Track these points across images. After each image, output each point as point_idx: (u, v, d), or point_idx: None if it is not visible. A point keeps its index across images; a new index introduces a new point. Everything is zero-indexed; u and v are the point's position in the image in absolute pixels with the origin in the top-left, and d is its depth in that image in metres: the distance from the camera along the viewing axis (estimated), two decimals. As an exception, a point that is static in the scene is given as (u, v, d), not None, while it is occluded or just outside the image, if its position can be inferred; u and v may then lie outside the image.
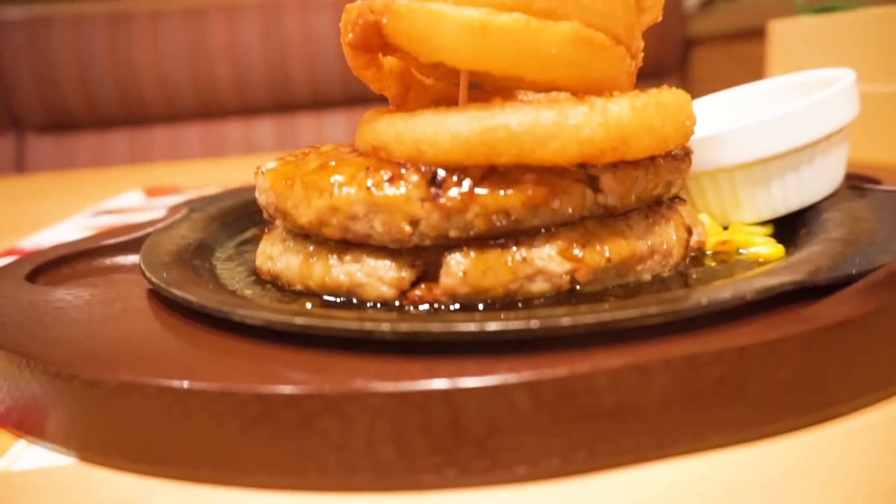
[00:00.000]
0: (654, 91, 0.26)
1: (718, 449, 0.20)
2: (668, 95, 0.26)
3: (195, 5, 1.58)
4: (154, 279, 0.28)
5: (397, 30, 0.25)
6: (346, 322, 0.22)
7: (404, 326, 0.21)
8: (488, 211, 0.26)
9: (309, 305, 0.28)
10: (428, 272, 0.28)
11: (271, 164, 0.31)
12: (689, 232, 0.30)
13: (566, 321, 0.21)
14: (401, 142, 0.26)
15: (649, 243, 0.28)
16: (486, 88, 0.33)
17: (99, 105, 1.55)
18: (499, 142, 0.24)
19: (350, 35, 0.27)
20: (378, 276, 0.27)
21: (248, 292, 0.31)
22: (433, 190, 0.26)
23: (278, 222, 0.31)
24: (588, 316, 0.21)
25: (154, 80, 1.55)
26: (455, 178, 0.25)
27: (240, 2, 1.60)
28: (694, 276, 0.29)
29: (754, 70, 1.45)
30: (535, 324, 0.21)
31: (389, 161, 0.27)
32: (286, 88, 1.62)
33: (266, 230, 0.34)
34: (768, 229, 0.34)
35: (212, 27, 1.57)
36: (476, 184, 0.26)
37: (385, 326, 0.21)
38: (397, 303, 0.27)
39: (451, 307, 0.27)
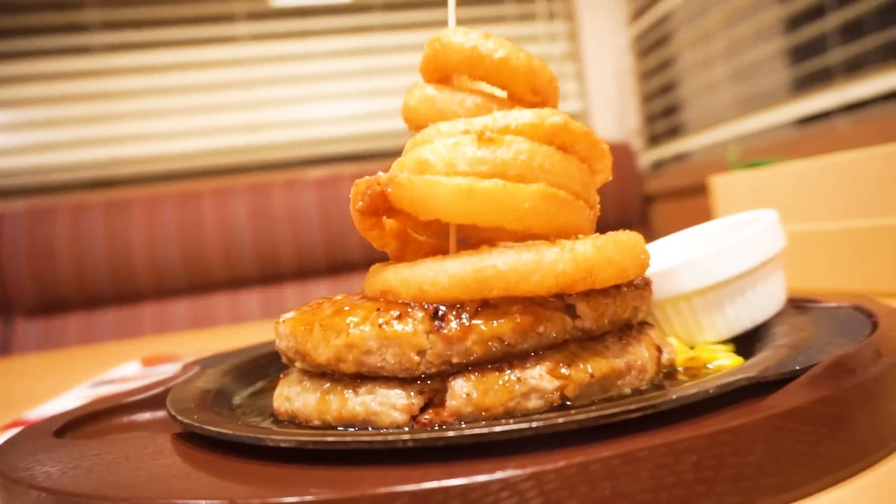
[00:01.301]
0: (611, 233, 0.32)
1: (707, 529, 0.23)
2: (622, 235, 0.32)
3: (189, 189, 1.71)
4: (185, 419, 0.31)
5: (401, 196, 0.31)
6: (372, 436, 0.25)
7: (423, 435, 0.24)
8: (484, 338, 0.30)
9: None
10: (433, 398, 0.31)
11: (289, 315, 0.35)
12: (660, 350, 0.35)
13: (561, 420, 0.24)
14: (406, 284, 0.31)
15: (625, 361, 0.32)
16: (471, 242, 0.39)
17: (90, 285, 1.60)
18: (489, 278, 0.29)
19: (360, 203, 0.33)
20: (390, 403, 0.31)
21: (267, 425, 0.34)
22: (436, 323, 0.30)
23: (297, 364, 0.34)
24: (579, 416, 0.24)
25: (146, 258, 1.63)
26: (454, 312, 0.30)
27: (230, 184, 1.73)
28: (668, 387, 0.33)
29: (704, 219, 1.58)
30: (535, 424, 0.24)
31: (396, 302, 0.31)
32: (272, 260, 1.71)
33: (282, 375, 0.37)
34: (729, 347, 0.38)
35: (204, 207, 1.68)
36: (472, 316, 0.30)
37: (406, 436, 0.24)
38: (407, 428, 0.31)
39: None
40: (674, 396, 0.25)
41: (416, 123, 0.37)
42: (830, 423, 0.26)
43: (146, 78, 1.82)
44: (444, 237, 0.39)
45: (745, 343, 0.38)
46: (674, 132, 1.91)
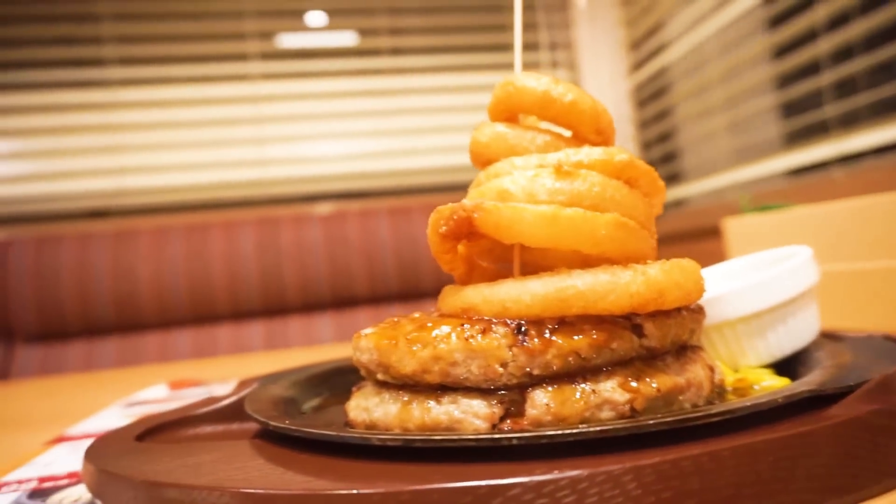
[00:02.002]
0: (675, 259, 0.35)
1: (785, 523, 0.26)
2: (685, 262, 0.35)
3: (196, 221, 1.73)
4: (278, 424, 0.33)
5: (486, 221, 0.34)
6: (479, 435, 0.27)
7: (527, 434, 0.27)
8: (563, 352, 0.33)
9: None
10: (510, 408, 0.34)
11: (370, 330, 0.38)
12: (713, 370, 0.38)
13: (652, 422, 0.27)
14: (488, 303, 0.34)
15: (685, 378, 0.35)
16: (530, 268, 0.42)
17: (94, 313, 1.61)
18: (569, 297, 0.32)
19: (444, 227, 0.36)
20: (473, 412, 0.33)
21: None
22: (519, 338, 0.33)
23: (379, 376, 0.37)
24: (667, 419, 0.27)
25: (152, 288, 1.64)
26: (536, 328, 0.33)
27: (238, 217, 1.76)
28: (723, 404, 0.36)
29: (712, 261, 1.62)
30: (628, 425, 0.27)
31: (479, 319, 0.34)
32: (278, 293, 1.72)
33: (354, 389, 0.40)
34: (770, 371, 0.41)
35: (211, 239, 1.70)
36: (552, 332, 0.33)
37: (513, 436, 0.27)
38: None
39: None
40: (749, 403, 0.28)
41: (486, 159, 0.40)
42: (886, 433, 0.29)
43: (157, 111, 1.86)
44: (504, 264, 0.42)
45: (784, 367, 0.41)
46: (672, 179, 1.98)
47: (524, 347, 0.32)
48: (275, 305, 1.74)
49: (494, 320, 0.34)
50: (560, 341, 0.33)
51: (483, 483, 0.25)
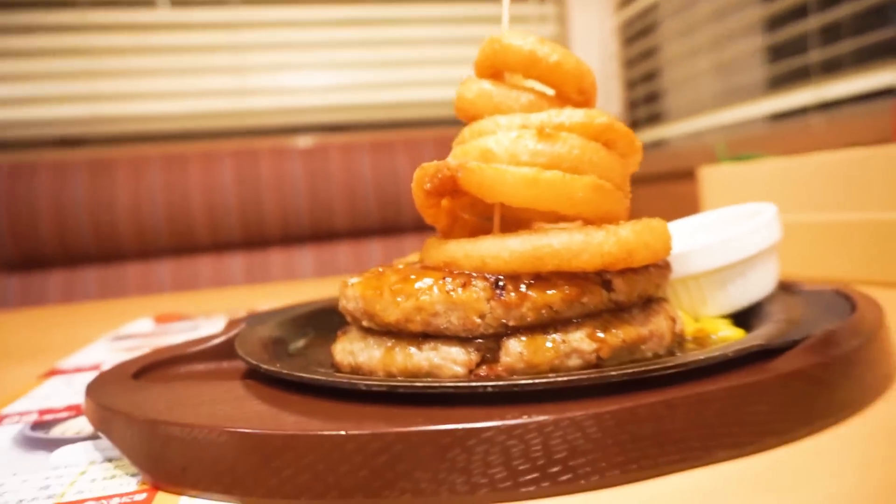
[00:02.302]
0: (645, 219, 0.37)
1: (726, 462, 0.29)
2: (655, 222, 0.37)
3: (175, 151, 1.71)
4: (269, 368, 0.36)
5: (469, 181, 0.35)
6: (459, 381, 0.30)
7: (504, 382, 0.29)
8: (537, 305, 0.35)
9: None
10: (486, 355, 0.36)
11: (356, 279, 0.40)
12: (674, 321, 0.40)
13: (614, 373, 0.30)
14: (469, 257, 0.36)
15: (649, 329, 0.38)
16: (509, 222, 0.44)
17: (72, 243, 1.60)
18: (545, 255, 0.34)
19: (428, 184, 0.37)
20: (452, 359, 0.36)
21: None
22: (497, 291, 0.35)
23: (364, 323, 0.39)
24: (627, 370, 0.30)
25: (130, 218, 1.63)
26: (512, 283, 0.35)
27: (217, 148, 1.74)
28: (682, 354, 0.39)
29: (683, 203, 1.67)
30: (592, 375, 0.29)
31: (460, 272, 0.36)
32: (257, 226, 1.73)
33: (339, 333, 0.42)
34: (728, 321, 0.44)
35: (190, 170, 1.68)
36: (527, 286, 0.35)
37: (489, 383, 0.29)
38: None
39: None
40: (702, 357, 0.31)
41: (471, 115, 0.41)
42: (821, 384, 0.32)
43: (132, 36, 1.79)
44: (485, 217, 0.44)
45: (741, 319, 0.44)
46: (654, 119, 1.98)
47: (501, 301, 0.35)
48: (255, 238, 1.74)
49: (474, 274, 0.36)
50: (534, 295, 0.35)
51: (461, 426, 0.27)
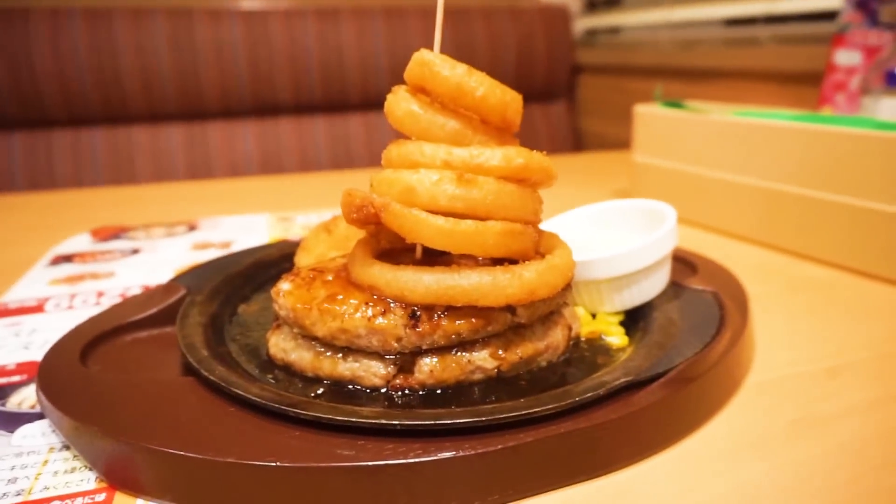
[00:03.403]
0: (549, 257, 0.41)
1: (579, 484, 0.36)
2: (557, 260, 0.41)
3: (99, 5, 1.57)
4: (213, 378, 0.40)
5: (392, 223, 0.38)
6: (372, 421, 0.35)
7: (410, 423, 0.35)
8: (448, 333, 0.40)
9: (321, 391, 0.41)
10: (404, 367, 0.42)
11: (287, 287, 0.43)
12: (570, 329, 0.46)
13: (484, 419, 0.35)
14: (389, 286, 0.40)
15: (545, 343, 0.44)
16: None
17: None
18: (456, 294, 0.39)
19: (354, 215, 0.40)
20: (372, 371, 0.41)
21: (268, 376, 0.43)
22: (412, 321, 0.40)
23: (295, 330, 0.43)
24: (498, 415, 0.36)
25: (55, 82, 1.53)
26: (426, 313, 0.40)
27: (148, 5, 1.60)
28: (572, 363, 0.45)
29: (625, 99, 1.69)
30: (471, 420, 0.35)
31: (381, 298, 0.40)
32: (196, 95, 1.66)
33: (275, 325, 0.46)
34: (620, 317, 0.51)
35: (117, 29, 1.56)
36: (440, 317, 0.40)
37: (398, 422, 0.35)
38: (384, 389, 0.41)
39: (420, 392, 0.41)
40: (577, 398, 0.37)
41: (398, 128, 0.43)
42: (672, 410, 0.39)
43: None
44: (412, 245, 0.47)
45: (632, 314, 0.51)
46: (612, 3, 1.92)
47: (416, 330, 0.40)
48: (194, 109, 1.68)
49: (392, 303, 0.40)
50: (445, 324, 0.40)
51: (370, 463, 0.33)
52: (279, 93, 1.71)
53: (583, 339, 0.48)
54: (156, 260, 0.75)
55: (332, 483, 0.33)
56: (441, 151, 0.40)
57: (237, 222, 0.90)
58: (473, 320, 0.40)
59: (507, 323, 0.42)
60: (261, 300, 0.57)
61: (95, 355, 0.47)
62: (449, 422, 0.35)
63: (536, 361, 0.44)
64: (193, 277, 0.58)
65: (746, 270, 0.67)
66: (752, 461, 0.38)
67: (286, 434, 0.36)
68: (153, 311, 0.52)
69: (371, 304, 0.40)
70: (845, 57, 1.04)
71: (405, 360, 0.42)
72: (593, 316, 0.52)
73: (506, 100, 0.41)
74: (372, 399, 0.41)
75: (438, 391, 0.41)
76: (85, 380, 0.42)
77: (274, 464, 0.33)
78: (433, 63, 0.40)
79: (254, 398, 0.38)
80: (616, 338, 0.47)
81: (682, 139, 0.83)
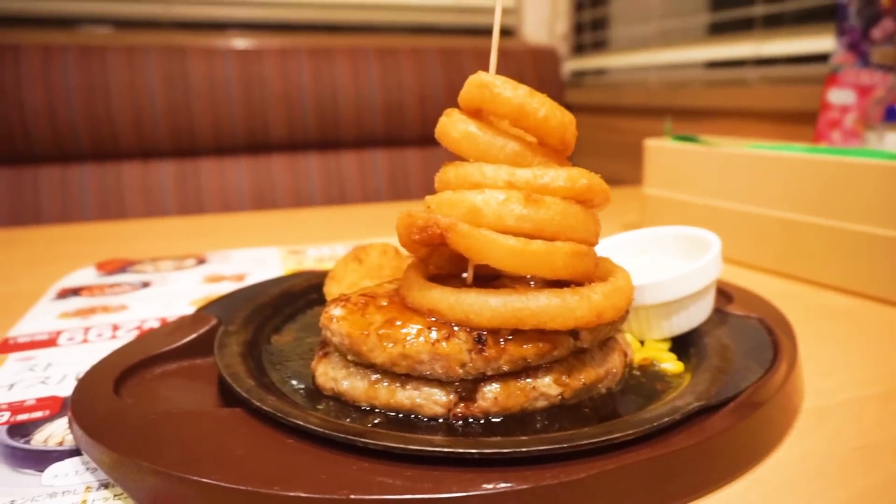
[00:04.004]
0: (612, 279, 0.41)
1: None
2: (622, 282, 0.41)
3: (93, 42, 1.56)
4: (280, 415, 0.37)
5: (458, 243, 0.37)
6: (438, 449, 0.33)
7: (485, 451, 0.33)
8: (514, 358, 0.39)
9: (377, 421, 0.40)
10: (465, 395, 0.40)
11: (339, 312, 0.42)
12: (626, 355, 0.46)
13: (591, 442, 0.34)
14: (452, 310, 0.39)
15: (605, 368, 0.43)
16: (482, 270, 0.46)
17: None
18: (524, 317, 0.38)
19: (417, 236, 0.39)
20: (433, 399, 0.39)
21: (318, 407, 0.41)
22: (479, 346, 0.38)
23: (350, 357, 0.41)
24: (581, 441, 0.35)
25: (45, 117, 1.51)
26: (492, 337, 0.38)
27: (142, 42, 1.60)
28: (631, 390, 0.44)
29: (616, 136, 1.73)
30: (536, 447, 0.34)
31: (443, 323, 0.39)
32: (188, 132, 1.64)
33: (321, 354, 0.44)
34: (668, 343, 0.50)
35: (111, 66, 1.55)
36: (506, 341, 0.39)
37: (475, 450, 0.33)
38: (443, 419, 0.40)
39: (481, 421, 0.39)
40: (654, 424, 0.36)
41: (453, 150, 0.42)
42: (745, 435, 0.38)
43: None
44: (461, 270, 0.46)
45: (680, 341, 0.50)
46: (598, 46, 1.98)
47: (482, 355, 0.38)
48: (186, 146, 1.67)
49: (457, 327, 0.39)
50: (511, 349, 0.39)
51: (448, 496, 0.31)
52: (272, 130, 1.71)
53: (636, 365, 0.47)
54: (169, 293, 0.72)
55: (411, 517, 0.31)
56: (503, 172, 0.40)
57: (247, 255, 0.88)
58: (540, 344, 0.39)
59: (570, 348, 0.41)
60: (293, 330, 0.55)
61: (127, 388, 0.45)
62: (532, 449, 0.33)
63: (597, 388, 0.43)
64: (221, 308, 0.56)
65: (771, 299, 0.67)
66: (826, 490, 0.37)
67: (352, 466, 0.34)
68: (183, 342, 0.50)
69: (434, 328, 0.39)
70: (839, 96, 1.08)
71: (466, 388, 0.40)
72: (641, 343, 0.51)
73: (565, 121, 0.41)
74: (432, 429, 0.39)
75: (500, 420, 0.40)
76: (123, 412, 0.40)
77: (348, 496, 0.31)
78: (494, 84, 0.40)
79: (316, 428, 0.36)
80: (670, 364, 0.47)
81: (695, 172, 0.85)
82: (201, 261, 0.85)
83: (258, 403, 0.38)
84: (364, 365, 0.42)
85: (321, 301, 0.61)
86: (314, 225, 1.21)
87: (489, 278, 0.46)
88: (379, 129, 1.78)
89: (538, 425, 0.39)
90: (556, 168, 0.40)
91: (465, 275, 0.44)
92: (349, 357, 0.42)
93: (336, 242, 0.96)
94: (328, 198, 1.77)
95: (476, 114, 0.42)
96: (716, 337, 0.49)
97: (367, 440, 0.34)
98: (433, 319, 0.39)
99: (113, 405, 0.41)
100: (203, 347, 0.50)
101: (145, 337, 0.52)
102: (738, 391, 0.40)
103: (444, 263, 0.46)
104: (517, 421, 0.40)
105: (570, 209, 0.39)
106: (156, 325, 0.63)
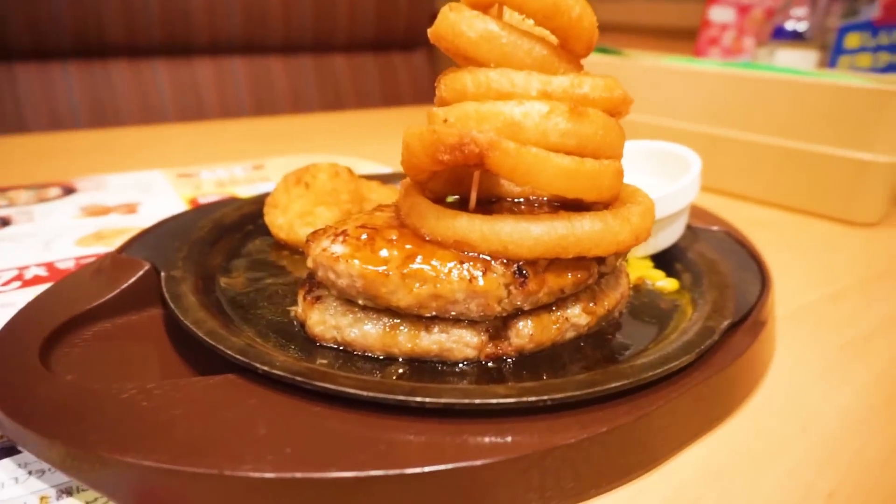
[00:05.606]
0: (641, 199, 0.38)
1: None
2: (649, 201, 0.38)
3: None
4: (311, 381, 0.30)
5: (502, 164, 0.32)
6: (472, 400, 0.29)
7: (526, 399, 0.30)
8: (553, 290, 0.35)
9: (401, 371, 0.34)
10: (492, 334, 0.36)
11: (340, 248, 0.35)
12: (628, 276, 0.44)
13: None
14: (486, 240, 0.34)
15: (620, 293, 0.41)
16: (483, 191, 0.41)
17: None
18: (569, 245, 0.34)
19: (446, 156, 0.33)
20: (464, 342, 0.35)
21: (320, 361, 0.35)
22: (519, 279, 0.34)
23: (360, 301, 0.35)
24: (625, 377, 0.33)
25: None
26: (531, 269, 0.34)
27: None
28: (641, 311, 0.43)
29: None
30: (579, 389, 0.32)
31: (476, 258, 0.34)
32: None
33: (311, 299, 0.37)
34: (650, 261, 0.50)
35: None
36: (544, 272, 0.35)
37: (496, 401, 0.30)
38: (470, 362, 0.36)
39: (512, 360, 0.36)
40: (693, 357, 0.35)
41: (469, 56, 0.36)
42: (760, 350, 0.39)
43: None
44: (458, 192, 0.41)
45: (660, 257, 0.50)
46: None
47: (523, 289, 0.34)
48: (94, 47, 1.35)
49: (493, 261, 0.34)
50: (551, 281, 0.35)
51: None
52: (193, 29, 1.44)
53: (630, 285, 0.46)
54: (42, 231, 0.58)
55: (486, 478, 0.28)
56: (535, 80, 0.34)
57: (127, 181, 0.73)
58: (578, 273, 0.36)
59: (596, 274, 0.38)
60: (241, 270, 0.47)
61: (56, 359, 0.35)
62: (606, 387, 0.31)
63: (612, 314, 0.41)
64: (148, 248, 0.45)
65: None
66: (832, 388, 0.39)
67: (408, 430, 0.29)
68: (114, 293, 0.40)
69: (467, 262, 0.34)
70: (719, 14, 1.13)
71: (495, 326, 0.36)
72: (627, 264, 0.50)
73: (594, 25, 0.36)
74: (464, 374, 0.35)
75: (529, 357, 0.37)
76: (68, 392, 0.31)
77: (432, 468, 0.27)
78: (524, -26, 0.34)
79: (357, 391, 0.30)
80: (664, 282, 0.46)
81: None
82: (69, 190, 0.69)
83: (263, 367, 0.31)
84: (375, 309, 0.36)
85: (260, 233, 0.53)
86: (203, 142, 1.04)
87: (487, 202, 0.41)
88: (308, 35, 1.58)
89: (566, 358, 0.37)
90: (590, 76, 0.36)
91: (453, 199, 0.39)
92: (360, 301, 0.35)
93: (233, 162, 0.84)
94: (224, 110, 1.54)
95: (484, 10, 0.36)
96: (697, 252, 0.49)
97: (422, 398, 0.29)
98: (464, 253, 0.34)
99: (49, 383, 0.31)
100: (139, 298, 0.41)
101: (58, 290, 0.40)
102: (749, 307, 0.40)
103: (441, 187, 0.41)
104: (547, 356, 0.37)
105: (611, 122, 0.35)
106: (42, 272, 0.50)
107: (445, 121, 0.35)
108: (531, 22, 0.36)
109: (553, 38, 0.37)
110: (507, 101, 0.33)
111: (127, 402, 0.30)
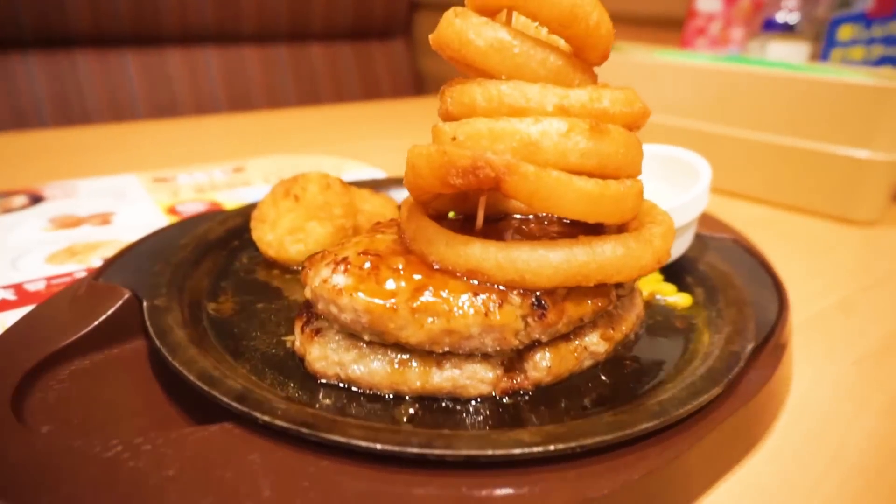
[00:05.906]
0: (662, 219, 0.36)
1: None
2: (669, 220, 0.36)
3: None
4: (319, 434, 0.28)
5: (520, 188, 0.29)
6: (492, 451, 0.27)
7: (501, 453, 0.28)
8: (572, 320, 0.33)
9: (412, 411, 0.32)
10: (508, 366, 0.34)
11: (343, 280, 0.32)
12: (641, 294, 0.42)
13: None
14: (502, 270, 0.31)
15: (635, 314, 0.39)
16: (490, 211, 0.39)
17: None
18: (591, 272, 0.32)
19: (458, 180, 0.30)
20: (479, 377, 0.33)
21: (324, 401, 0.32)
22: (538, 311, 0.32)
23: (366, 337, 0.32)
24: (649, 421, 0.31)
25: None
26: (550, 299, 0.32)
27: None
28: (656, 332, 0.41)
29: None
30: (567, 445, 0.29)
31: (492, 288, 0.31)
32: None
33: (310, 331, 0.35)
34: (660, 274, 0.48)
35: None
36: (563, 301, 0.33)
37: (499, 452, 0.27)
38: (482, 399, 0.33)
39: (528, 394, 0.34)
40: (723, 380, 0.33)
41: (476, 66, 0.33)
42: (782, 371, 0.37)
43: None
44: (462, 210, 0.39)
45: (668, 269, 0.48)
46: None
47: (542, 321, 0.32)
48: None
49: (509, 292, 0.32)
50: (570, 310, 0.33)
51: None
52: (163, 19, 1.37)
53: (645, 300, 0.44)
54: (9, 247, 0.54)
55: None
56: (551, 94, 0.32)
57: (99, 186, 0.69)
58: (598, 301, 0.34)
59: (615, 299, 0.36)
60: (229, 293, 0.44)
61: (30, 407, 0.32)
62: (636, 429, 0.29)
63: (628, 337, 0.39)
64: (126, 272, 0.42)
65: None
66: (861, 408, 0.38)
67: (427, 484, 0.27)
68: (91, 327, 0.36)
69: (480, 294, 0.31)
70: (706, 4, 1.11)
71: (511, 358, 0.34)
72: (635, 275, 0.48)
73: (612, 31, 0.34)
74: (477, 412, 0.32)
75: (544, 390, 0.34)
76: (45, 450, 0.28)
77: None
78: (539, -21, 0.31)
79: (370, 445, 0.27)
80: (676, 297, 0.44)
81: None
82: (36, 198, 0.65)
83: (265, 417, 0.29)
84: (382, 344, 0.33)
85: (247, 247, 0.50)
86: (178, 140, 0.99)
87: (494, 219, 0.39)
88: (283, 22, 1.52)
89: (583, 389, 0.35)
90: (608, 88, 0.33)
91: (452, 216, 0.37)
92: (366, 336, 0.33)
93: (211, 164, 0.80)
94: (198, 105, 1.48)
95: (491, 15, 0.33)
96: (708, 263, 0.47)
97: (438, 451, 0.27)
98: (474, 284, 0.32)
99: (23, 439, 0.28)
100: (119, 330, 0.38)
101: (29, 323, 0.37)
102: (770, 326, 0.39)
103: (444, 204, 0.38)
104: (563, 387, 0.35)
105: (632, 139, 0.33)
106: (9, 296, 0.46)
107: (454, 139, 0.32)
108: (534, 25, 0.34)
109: (565, 45, 0.34)
110: (523, 119, 0.31)
111: (112, 461, 0.27)
